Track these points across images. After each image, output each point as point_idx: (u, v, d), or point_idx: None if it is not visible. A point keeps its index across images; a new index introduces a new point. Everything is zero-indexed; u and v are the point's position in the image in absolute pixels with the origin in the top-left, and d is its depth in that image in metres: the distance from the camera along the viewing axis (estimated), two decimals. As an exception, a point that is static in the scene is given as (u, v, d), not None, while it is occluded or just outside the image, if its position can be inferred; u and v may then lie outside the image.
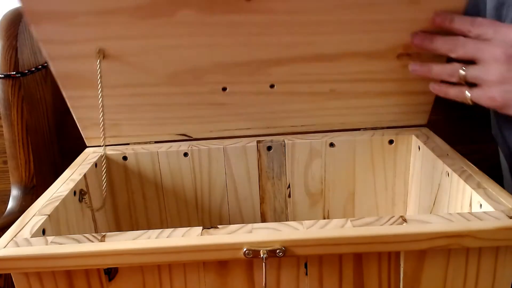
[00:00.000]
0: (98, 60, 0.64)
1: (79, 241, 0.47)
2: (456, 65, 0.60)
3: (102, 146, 0.70)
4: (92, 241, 0.47)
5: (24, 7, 0.59)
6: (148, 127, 0.75)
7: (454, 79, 0.60)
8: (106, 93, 0.67)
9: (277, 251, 0.46)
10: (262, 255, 0.45)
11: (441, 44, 0.60)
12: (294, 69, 0.68)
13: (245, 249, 0.46)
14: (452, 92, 0.62)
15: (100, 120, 0.67)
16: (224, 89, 0.71)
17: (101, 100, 0.66)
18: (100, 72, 0.65)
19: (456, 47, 0.59)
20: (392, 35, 0.65)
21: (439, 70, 0.62)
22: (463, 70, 0.58)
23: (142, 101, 0.71)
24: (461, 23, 0.59)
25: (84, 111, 0.72)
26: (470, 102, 0.59)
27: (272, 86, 0.71)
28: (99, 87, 0.66)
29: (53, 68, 0.66)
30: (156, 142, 0.77)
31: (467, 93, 0.59)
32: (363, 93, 0.72)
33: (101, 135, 0.68)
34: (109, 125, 0.74)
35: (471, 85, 0.59)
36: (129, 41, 0.64)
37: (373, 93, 0.72)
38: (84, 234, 0.48)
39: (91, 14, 0.60)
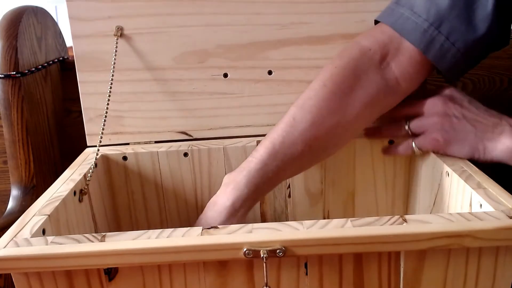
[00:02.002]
0: (116, 38, 0.73)
1: (79, 241, 0.47)
2: (401, 121, 0.69)
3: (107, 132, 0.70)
4: (92, 241, 0.47)
5: None
6: (150, 120, 0.76)
7: (401, 133, 0.69)
8: (115, 78, 0.73)
9: (277, 251, 0.46)
10: (262, 255, 0.45)
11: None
12: (289, 52, 0.75)
13: (245, 249, 0.46)
14: (401, 148, 0.70)
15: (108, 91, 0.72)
16: (225, 75, 0.76)
17: (113, 72, 0.72)
18: (116, 51, 0.73)
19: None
20: (374, 15, 0.70)
21: (388, 128, 0.72)
22: (407, 123, 0.68)
23: (148, 88, 0.76)
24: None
25: (93, 99, 0.75)
26: (417, 151, 0.68)
27: (270, 72, 0.76)
28: (112, 65, 0.72)
29: (75, 47, 0.74)
30: (156, 142, 0.77)
31: (413, 143, 0.68)
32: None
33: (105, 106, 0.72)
34: (112, 117, 0.76)
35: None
36: (144, 19, 0.74)
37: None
38: (84, 234, 0.48)
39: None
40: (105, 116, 0.71)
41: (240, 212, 0.61)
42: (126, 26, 0.74)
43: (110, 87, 0.71)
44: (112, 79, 0.72)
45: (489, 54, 0.68)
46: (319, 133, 0.63)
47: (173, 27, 0.74)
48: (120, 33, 0.73)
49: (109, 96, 0.71)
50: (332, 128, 0.63)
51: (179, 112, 0.76)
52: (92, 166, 0.67)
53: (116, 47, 0.73)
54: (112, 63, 0.72)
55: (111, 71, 0.72)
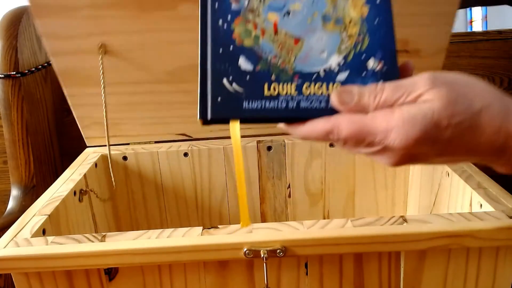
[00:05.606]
0: (100, 56, 0.65)
1: (79, 241, 0.47)
2: None
3: (105, 137, 0.70)
4: (92, 241, 0.47)
5: (30, 0, 0.61)
6: (149, 126, 0.75)
7: None
8: (107, 91, 0.68)
9: (278, 251, 0.46)
10: (262, 255, 0.45)
11: None
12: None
13: (245, 249, 0.46)
14: None
15: (104, 115, 0.68)
16: None
17: (104, 96, 0.67)
18: (102, 68, 0.66)
19: None
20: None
21: None
22: None
23: (142, 99, 0.72)
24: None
25: (85, 109, 0.72)
26: None
27: None
28: (101, 83, 0.66)
29: (55, 64, 0.67)
30: (156, 142, 0.77)
31: None
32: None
33: (105, 129, 0.69)
34: (109, 124, 0.74)
35: None
36: (130, 35, 0.65)
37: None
38: (84, 234, 0.48)
39: (94, 7, 0.61)
40: (106, 119, 0.69)
41: None
42: (111, 42, 0.66)
43: (103, 100, 0.67)
44: (103, 93, 0.67)
45: None
46: None
47: (164, 43, 0.67)
48: (104, 50, 0.66)
49: (104, 107, 0.67)
50: None
51: (177, 118, 0.75)
52: (91, 165, 0.67)
53: (101, 63, 0.66)
54: (101, 78, 0.66)
55: (101, 86, 0.67)
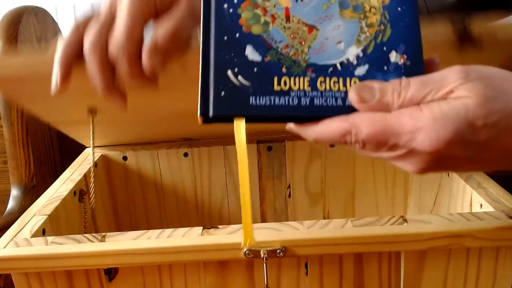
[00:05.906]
0: (91, 117, 0.62)
1: (79, 241, 0.47)
2: None
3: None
4: (92, 241, 0.47)
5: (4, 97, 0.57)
6: (147, 136, 0.75)
7: None
8: (102, 124, 0.65)
9: (278, 251, 0.46)
10: (262, 255, 0.45)
11: None
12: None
13: (245, 249, 0.45)
14: None
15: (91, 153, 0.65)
16: None
17: (93, 154, 0.65)
18: (92, 128, 0.63)
19: None
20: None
21: None
22: None
23: (140, 127, 0.71)
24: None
25: (80, 134, 0.71)
26: None
27: None
28: (91, 142, 0.64)
29: (41, 118, 0.65)
30: (156, 142, 0.77)
31: None
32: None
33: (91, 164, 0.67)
34: (106, 136, 0.73)
35: None
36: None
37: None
38: (84, 234, 0.48)
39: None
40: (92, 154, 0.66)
41: None
42: (102, 105, 0.60)
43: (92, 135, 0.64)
44: (92, 149, 0.64)
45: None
46: None
47: (161, 105, 0.62)
48: (95, 112, 0.62)
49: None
50: None
51: (176, 127, 0.72)
52: (91, 166, 0.67)
53: (92, 124, 0.62)
54: (91, 137, 0.63)
55: (91, 144, 0.63)
